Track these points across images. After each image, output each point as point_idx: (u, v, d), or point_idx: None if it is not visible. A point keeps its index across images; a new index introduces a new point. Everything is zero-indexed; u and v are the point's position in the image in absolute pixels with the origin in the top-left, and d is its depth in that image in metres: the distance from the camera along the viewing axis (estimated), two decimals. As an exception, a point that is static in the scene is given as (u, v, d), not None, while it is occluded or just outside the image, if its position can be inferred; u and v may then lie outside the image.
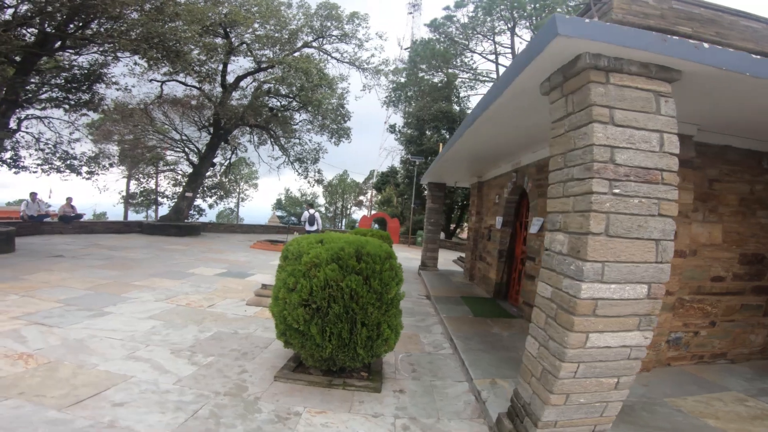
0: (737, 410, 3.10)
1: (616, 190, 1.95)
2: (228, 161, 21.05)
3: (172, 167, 21.39)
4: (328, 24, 16.46)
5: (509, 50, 23.08)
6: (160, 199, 22.25)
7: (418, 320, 6.00)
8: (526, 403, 2.46)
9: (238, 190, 35.44)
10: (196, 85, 15.44)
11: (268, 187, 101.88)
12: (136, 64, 12.13)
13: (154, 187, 23.15)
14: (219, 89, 16.27)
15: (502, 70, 25.06)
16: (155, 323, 4.74)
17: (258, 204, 45.24)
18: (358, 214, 52.41)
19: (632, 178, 1.97)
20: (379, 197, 31.53)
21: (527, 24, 20.98)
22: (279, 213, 46.39)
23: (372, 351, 3.23)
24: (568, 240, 2.13)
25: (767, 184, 3.90)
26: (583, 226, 1.98)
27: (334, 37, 17.00)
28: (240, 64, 16.33)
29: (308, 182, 21.23)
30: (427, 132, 21.72)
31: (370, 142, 64.26)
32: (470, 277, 9.63)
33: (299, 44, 16.39)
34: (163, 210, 21.42)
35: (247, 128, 18.69)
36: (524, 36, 22.02)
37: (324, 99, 15.58)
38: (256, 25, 14.34)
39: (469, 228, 10.42)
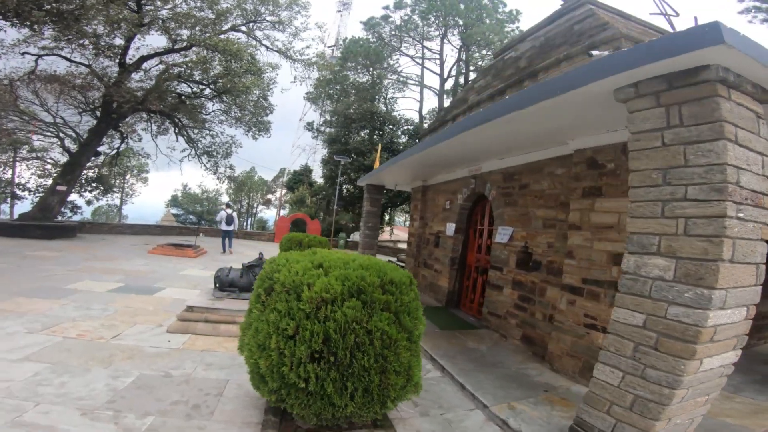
0: (735, 407, 3.34)
1: (740, 214, 1.82)
2: (116, 150, 17.52)
3: (39, 155, 16.83)
4: (263, 9, 14.71)
5: (437, 56, 24.22)
6: (19, 192, 17.29)
7: (386, 337, 5.50)
8: (604, 433, 2.28)
9: (123, 184, 29.92)
10: (85, 62, 12.42)
11: (160, 181, 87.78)
12: (13, 26, 9.11)
13: (10, 177, 17.94)
14: (115, 68, 13.39)
15: (427, 74, 26.25)
16: (38, 367, 3.30)
17: (147, 200, 38.94)
18: (266, 213, 49.11)
19: (749, 202, 1.86)
20: (291, 196, 29.82)
21: (455, 32, 22.25)
22: (174, 211, 40.91)
23: (400, 399, 2.60)
24: (676, 265, 1.94)
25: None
26: (710, 252, 1.80)
27: (267, 23, 15.26)
28: (148, 42, 13.64)
29: (218, 178, 19.11)
30: (352, 131, 21.37)
31: (282, 138, 61.05)
32: (413, 284, 9.46)
33: (226, 27, 14.30)
34: (24, 206, 16.74)
35: (145, 114, 15.79)
36: (454, 42, 23.33)
37: (252, 86, 13.90)
38: (179, 0, 12.12)
39: (411, 234, 10.25)
